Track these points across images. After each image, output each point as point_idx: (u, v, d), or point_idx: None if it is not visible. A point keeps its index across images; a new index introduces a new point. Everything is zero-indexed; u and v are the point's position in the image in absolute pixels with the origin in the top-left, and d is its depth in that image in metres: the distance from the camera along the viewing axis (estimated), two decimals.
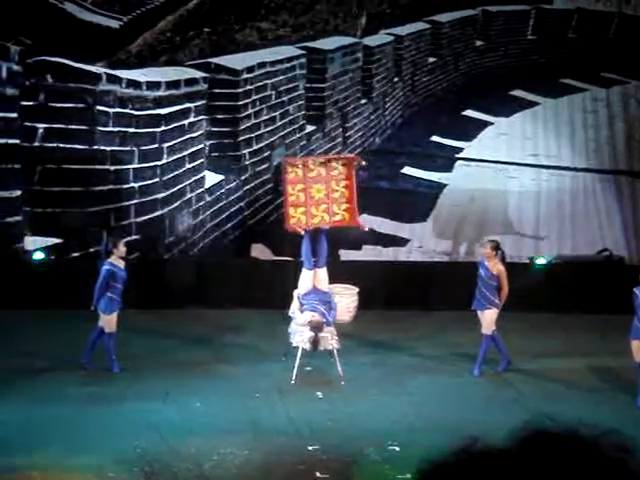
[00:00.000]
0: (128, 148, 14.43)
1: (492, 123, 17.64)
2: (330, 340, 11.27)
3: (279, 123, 16.05)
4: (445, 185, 16.91)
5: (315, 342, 11.18)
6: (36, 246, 14.23)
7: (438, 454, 1.45)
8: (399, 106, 17.74)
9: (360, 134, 17.14)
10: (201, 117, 15.24)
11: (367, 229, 12.55)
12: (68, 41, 14.52)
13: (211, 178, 15.51)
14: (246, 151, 15.70)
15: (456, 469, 1.41)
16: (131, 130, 14.41)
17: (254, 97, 15.64)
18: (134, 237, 14.49)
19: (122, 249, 11.34)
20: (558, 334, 13.58)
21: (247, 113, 15.59)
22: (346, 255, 15.54)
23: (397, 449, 8.86)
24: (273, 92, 15.89)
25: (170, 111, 14.75)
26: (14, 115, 13.77)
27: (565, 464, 1.38)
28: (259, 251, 15.93)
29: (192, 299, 14.63)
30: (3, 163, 13.82)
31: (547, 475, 1.36)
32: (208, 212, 15.52)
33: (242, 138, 15.60)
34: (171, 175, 14.92)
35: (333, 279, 11.96)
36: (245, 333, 13.42)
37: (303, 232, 11.54)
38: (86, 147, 14.13)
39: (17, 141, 13.86)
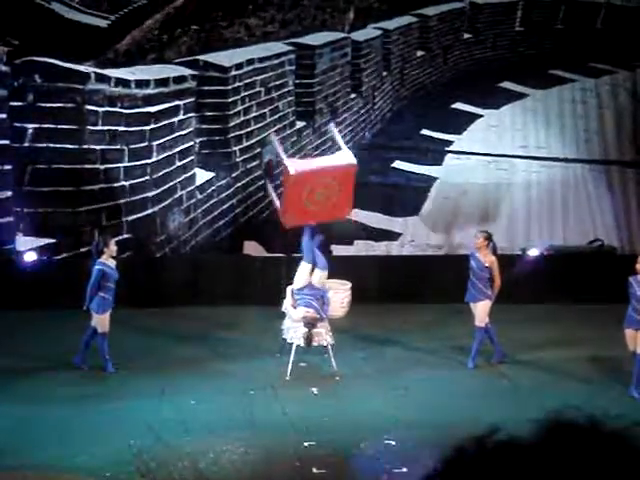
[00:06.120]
0: (118, 147, 14.40)
1: (482, 115, 17.65)
2: (324, 335, 11.26)
3: (269, 119, 16.03)
4: (436, 178, 16.92)
5: (309, 338, 11.17)
6: (28, 247, 14.19)
7: (457, 443, 1.43)
8: (388, 100, 17.74)
9: (350, 129, 17.13)
10: (190, 114, 15.21)
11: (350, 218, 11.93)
12: (56, 41, 14.48)
13: (202, 175, 15.48)
14: (236, 148, 15.68)
15: (478, 460, 1.38)
16: (120, 128, 14.38)
17: (243, 94, 15.61)
18: (125, 236, 14.46)
19: (113, 248, 11.31)
20: (551, 325, 13.59)
21: (237, 110, 15.57)
22: (339, 250, 15.53)
23: (393, 443, 8.87)
24: (262, 89, 15.87)
25: (159, 109, 14.72)
26: (3, 116, 13.73)
27: (590, 456, 1.36)
28: (252, 248, 15.91)
29: (185, 297, 14.61)
30: None
31: (571, 467, 1.35)
32: (199, 210, 15.49)
33: (232, 135, 15.58)
34: (161, 173, 14.89)
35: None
36: (239, 330, 13.41)
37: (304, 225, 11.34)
38: (76, 146, 14.09)
39: (7, 142, 13.82)
